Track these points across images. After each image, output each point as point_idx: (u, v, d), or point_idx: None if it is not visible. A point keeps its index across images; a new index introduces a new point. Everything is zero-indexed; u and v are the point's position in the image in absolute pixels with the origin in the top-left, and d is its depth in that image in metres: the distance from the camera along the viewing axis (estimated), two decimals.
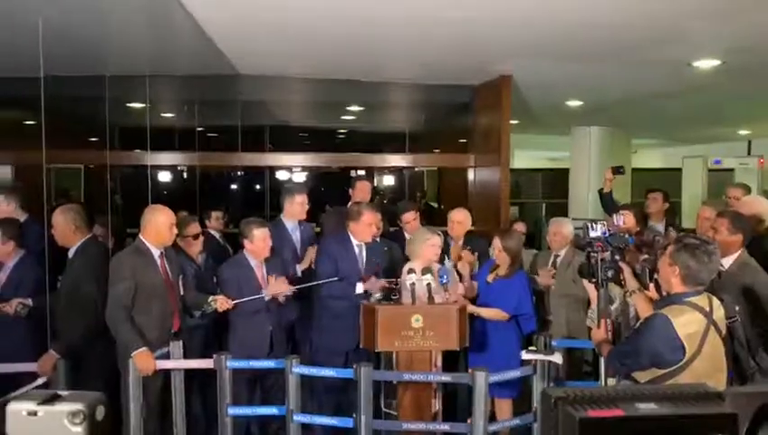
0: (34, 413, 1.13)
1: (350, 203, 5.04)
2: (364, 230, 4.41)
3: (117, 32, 4.84)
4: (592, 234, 3.14)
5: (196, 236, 4.60)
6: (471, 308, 4.12)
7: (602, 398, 1.25)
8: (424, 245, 4.12)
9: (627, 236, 3.30)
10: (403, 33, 4.90)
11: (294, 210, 4.74)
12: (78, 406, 1.12)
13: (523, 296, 4.31)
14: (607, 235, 3.14)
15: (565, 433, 1.21)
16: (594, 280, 3.17)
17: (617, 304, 3.52)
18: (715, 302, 2.67)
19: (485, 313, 4.20)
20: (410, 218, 5.07)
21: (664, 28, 4.64)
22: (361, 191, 5.26)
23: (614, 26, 4.59)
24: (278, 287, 4.12)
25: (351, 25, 4.68)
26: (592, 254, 3.14)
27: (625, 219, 3.58)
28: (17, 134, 7.06)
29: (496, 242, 4.32)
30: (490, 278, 4.33)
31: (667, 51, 5.26)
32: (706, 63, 5.68)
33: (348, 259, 4.39)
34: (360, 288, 4.29)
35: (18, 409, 1.14)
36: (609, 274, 3.11)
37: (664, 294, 2.85)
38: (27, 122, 7.37)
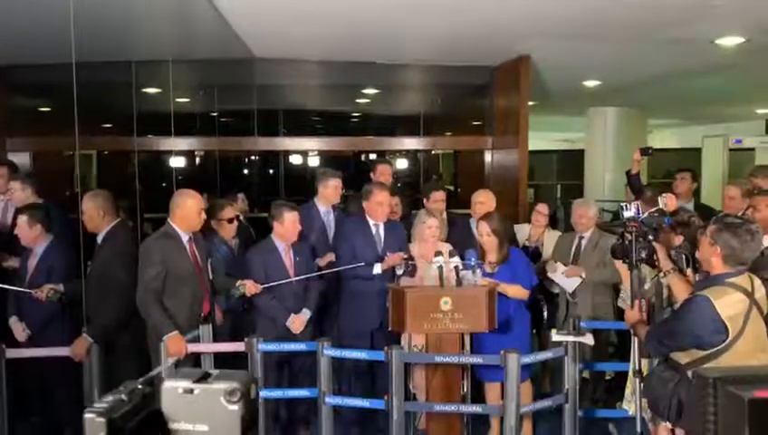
0: (191, 391, 1.13)
1: None
2: (375, 209, 4.42)
3: (142, 17, 4.81)
4: (626, 214, 3.11)
5: (230, 220, 4.63)
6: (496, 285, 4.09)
7: (763, 377, 1.21)
8: (421, 227, 4.21)
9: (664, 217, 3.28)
10: (421, 14, 4.84)
11: (328, 194, 4.73)
12: (234, 384, 1.13)
13: (531, 267, 4.33)
14: (641, 215, 3.12)
15: (729, 415, 1.17)
16: (627, 261, 3.15)
17: (648, 284, 3.50)
18: (757, 281, 2.66)
19: (511, 290, 4.09)
20: (439, 198, 5.01)
21: (689, 5, 4.56)
22: (382, 174, 5.25)
23: (637, 3, 4.51)
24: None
25: (369, 7, 4.63)
26: (626, 234, 3.12)
27: (668, 202, 3.56)
28: (36, 121, 7.07)
29: (483, 227, 4.15)
30: (489, 268, 4.16)
31: (691, 28, 5.18)
32: (730, 41, 5.59)
33: (364, 239, 4.41)
34: (377, 268, 4.31)
35: (174, 386, 1.13)
36: (643, 254, 3.10)
37: (698, 276, 2.83)
38: (44, 109, 7.39)
